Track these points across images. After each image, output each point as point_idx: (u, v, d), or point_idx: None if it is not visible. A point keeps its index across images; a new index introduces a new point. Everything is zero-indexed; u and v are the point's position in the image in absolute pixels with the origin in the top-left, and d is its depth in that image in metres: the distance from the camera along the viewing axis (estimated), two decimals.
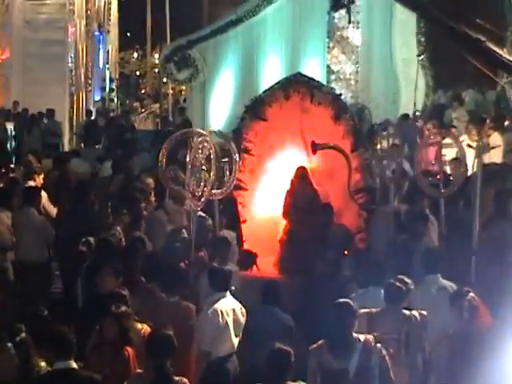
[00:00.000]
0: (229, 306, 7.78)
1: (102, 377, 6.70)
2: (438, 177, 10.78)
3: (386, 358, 6.72)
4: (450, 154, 12.77)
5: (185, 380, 6.39)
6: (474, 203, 9.80)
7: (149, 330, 7.48)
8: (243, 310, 7.89)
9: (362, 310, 7.42)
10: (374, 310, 7.58)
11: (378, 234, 10.60)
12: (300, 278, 9.42)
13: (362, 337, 6.72)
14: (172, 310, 7.90)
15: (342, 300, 6.97)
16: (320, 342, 6.74)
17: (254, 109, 11.79)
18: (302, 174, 11.34)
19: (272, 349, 6.28)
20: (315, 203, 11.19)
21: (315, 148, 11.42)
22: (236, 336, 7.82)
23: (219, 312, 7.67)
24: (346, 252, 9.85)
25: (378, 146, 12.48)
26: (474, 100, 22.21)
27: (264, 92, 12.12)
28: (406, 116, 19.53)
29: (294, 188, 11.31)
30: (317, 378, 6.68)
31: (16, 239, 10.69)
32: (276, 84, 12.10)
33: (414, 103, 21.15)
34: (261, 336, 7.52)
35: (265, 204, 11.68)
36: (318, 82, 12.22)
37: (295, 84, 11.86)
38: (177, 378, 6.36)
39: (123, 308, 7.21)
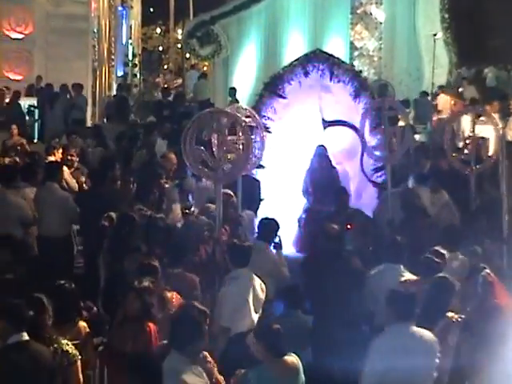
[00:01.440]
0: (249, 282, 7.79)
1: (124, 352, 6.78)
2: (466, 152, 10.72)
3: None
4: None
5: (205, 353, 6.38)
6: (501, 183, 9.67)
7: (179, 298, 7.61)
8: (263, 285, 7.88)
9: (402, 279, 7.84)
10: (411, 279, 7.90)
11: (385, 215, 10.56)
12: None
13: (449, 314, 6.94)
14: (176, 281, 7.95)
15: (443, 276, 7.23)
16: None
17: (273, 86, 11.70)
18: (321, 152, 11.30)
19: (268, 324, 6.54)
20: (334, 182, 11.15)
21: (324, 125, 11.39)
22: (256, 312, 7.79)
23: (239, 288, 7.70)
24: (349, 227, 9.86)
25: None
26: (496, 77, 22.11)
27: (283, 69, 12.02)
28: (424, 93, 19.43)
29: (312, 166, 11.29)
30: None
31: (39, 214, 10.76)
32: (295, 61, 11.97)
33: (432, 83, 21.01)
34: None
35: (283, 182, 11.60)
36: (337, 58, 12.09)
37: (315, 61, 11.74)
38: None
39: (146, 283, 7.22)
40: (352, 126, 11.48)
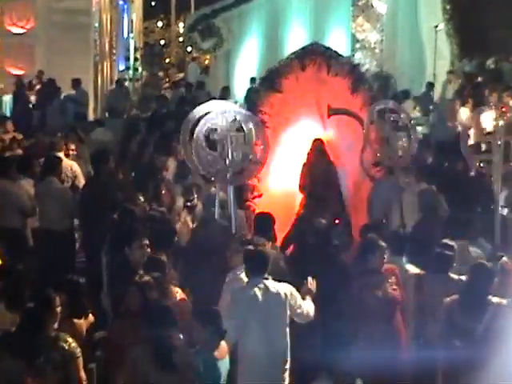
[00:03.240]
0: None
1: (122, 347, 6.80)
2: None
3: None
4: None
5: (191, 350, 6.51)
6: (496, 180, 9.63)
7: (183, 294, 7.69)
8: None
9: (411, 272, 8.08)
10: (422, 272, 8.09)
11: (378, 207, 10.61)
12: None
13: (495, 299, 7.07)
14: None
15: (482, 262, 7.40)
16: (453, 297, 7.24)
17: (270, 80, 11.48)
18: (318, 146, 11.19)
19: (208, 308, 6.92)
20: (332, 177, 11.13)
21: (330, 112, 11.32)
22: None
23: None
24: (336, 222, 9.93)
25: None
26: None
27: (279, 63, 11.76)
28: (430, 85, 19.29)
29: (310, 161, 11.19)
30: (444, 330, 7.23)
31: (39, 208, 10.87)
32: (292, 54, 11.76)
33: (434, 74, 20.95)
34: None
35: (281, 177, 11.44)
36: (335, 52, 11.86)
37: (312, 54, 11.52)
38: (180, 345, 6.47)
39: (146, 278, 7.31)
40: (357, 117, 11.42)
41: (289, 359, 7.34)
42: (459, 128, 16.84)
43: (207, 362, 6.65)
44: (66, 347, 6.40)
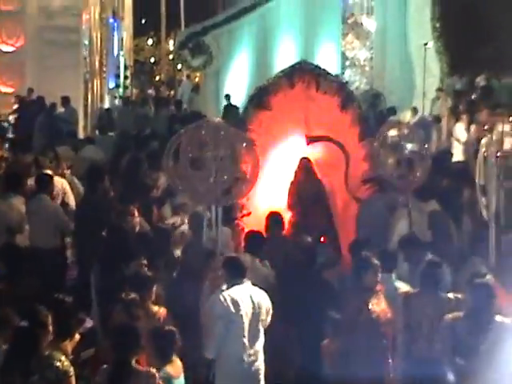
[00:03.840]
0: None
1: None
2: None
3: None
4: None
5: (153, 371, 6.41)
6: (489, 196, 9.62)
7: (164, 313, 7.63)
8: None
9: (400, 290, 8.11)
10: (411, 290, 8.12)
11: (366, 225, 10.58)
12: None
13: (498, 318, 7.15)
14: None
15: (484, 281, 7.46)
16: (455, 314, 7.29)
17: (258, 98, 11.44)
18: (305, 165, 11.19)
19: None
20: (320, 195, 11.11)
21: (308, 140, 11.30)
22: None
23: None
24: (322, 239, 10.00)
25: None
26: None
27: (268, 80, 11.73)
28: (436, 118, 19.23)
29: (298, 179, 11.18)
30: (449, 346, 7.28)
31: (30, 226, 10.84)
32: (280, 72, 11.72)
33: (424, 92, 21.00)
34: None
35: (269, 196, 11.32)
36: (323, 69, 11.81)
37: (300, 72, 11.47)
38: (143, 369, 6.39)
39: (132, 295, 7.31)
40: (336, 143, 11.43)
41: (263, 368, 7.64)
42: (454, 144, 16.97)
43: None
44: (60, 366, 6.34)
